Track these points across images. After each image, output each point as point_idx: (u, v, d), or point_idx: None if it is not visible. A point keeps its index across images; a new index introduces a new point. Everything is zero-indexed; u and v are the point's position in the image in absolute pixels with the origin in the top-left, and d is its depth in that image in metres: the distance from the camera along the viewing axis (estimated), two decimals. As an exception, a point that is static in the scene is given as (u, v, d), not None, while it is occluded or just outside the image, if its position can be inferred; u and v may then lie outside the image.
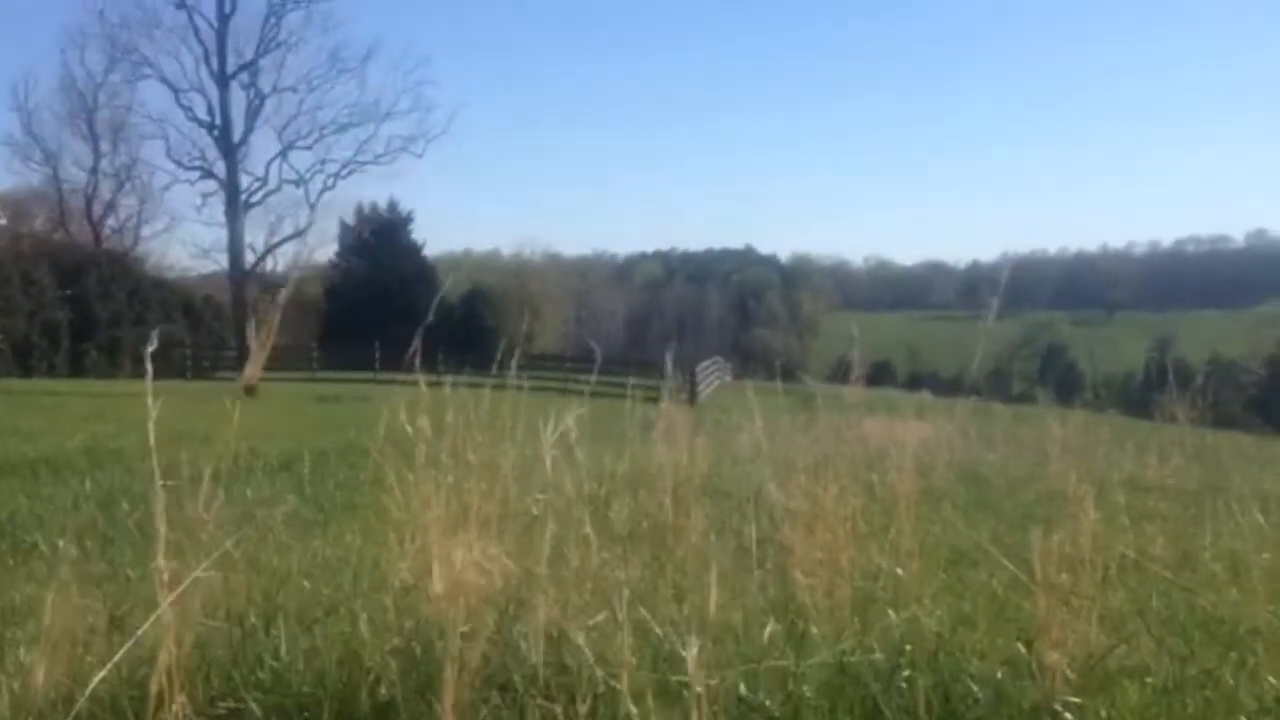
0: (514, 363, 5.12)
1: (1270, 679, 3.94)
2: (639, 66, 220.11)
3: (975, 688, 3.62)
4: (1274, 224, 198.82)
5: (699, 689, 2.99)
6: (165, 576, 3.28)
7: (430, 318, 4.45)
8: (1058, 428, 9.00)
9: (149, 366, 3.44)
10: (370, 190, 71.67)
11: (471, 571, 3.86)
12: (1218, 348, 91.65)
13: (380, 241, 63.24)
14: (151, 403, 3.39)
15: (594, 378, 5.78)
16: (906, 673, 3.68)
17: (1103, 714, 3.44)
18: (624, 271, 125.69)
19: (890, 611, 4.54)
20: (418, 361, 4.40)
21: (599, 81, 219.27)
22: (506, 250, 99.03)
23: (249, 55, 40.13)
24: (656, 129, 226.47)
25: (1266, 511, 7.03)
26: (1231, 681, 3.88)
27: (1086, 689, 3.58)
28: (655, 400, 6.65)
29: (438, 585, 3.56)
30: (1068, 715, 3.43)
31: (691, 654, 2.93)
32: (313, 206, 42.23)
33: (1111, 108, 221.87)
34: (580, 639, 3.58)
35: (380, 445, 4.39)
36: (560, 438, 4.77)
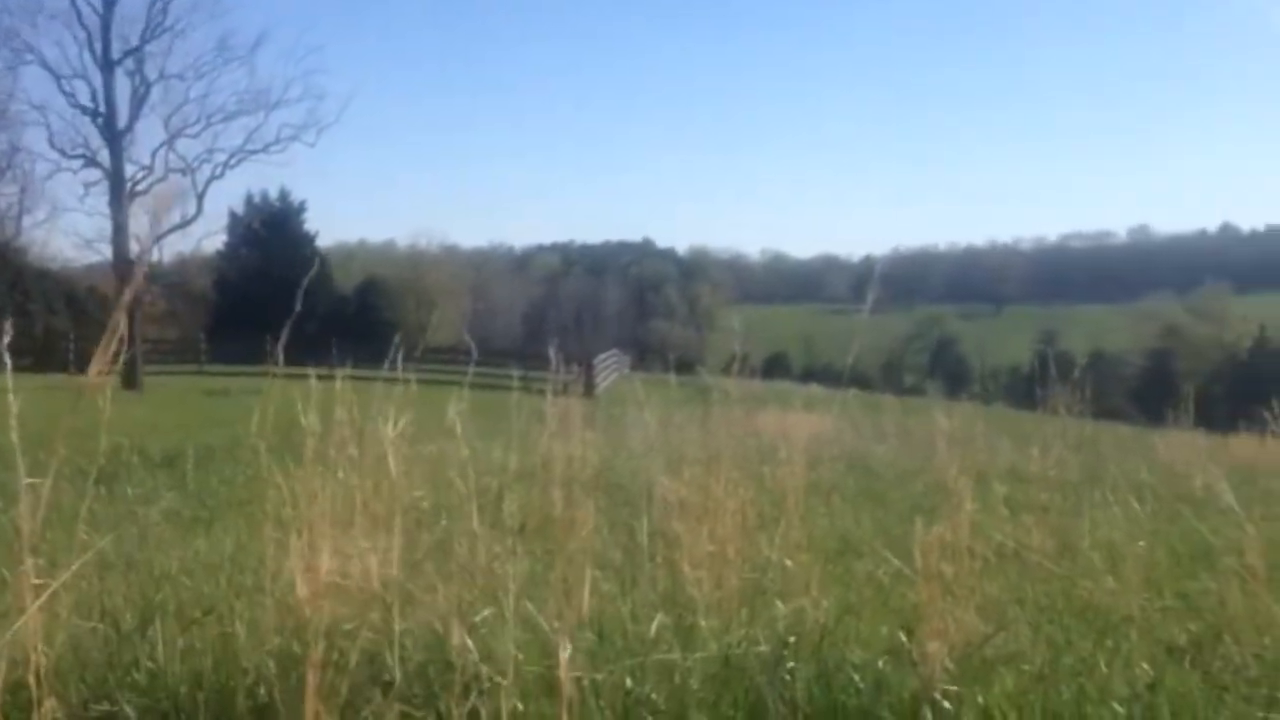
0: (399, 355, 5.06)
1: (1143, 665, 4.07)
2: (534, 58, 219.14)
3: (857, 677, 3.68)
4: (1156, 220, 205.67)
5: (569, 685, 2.99)
6: (32, 577, 3.19)
7: (298, 306, 4.37)
8: (944, 420, 9.18)
9: (6, 359, 3.34)
10: (261, 180, 70.23)
11: (356, 568, 3.82)
12: (1101, 341, 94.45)
13: (271, 232, 62.02)
14: (13, 398, 3.29)
15: (471, 370, 5.73)
16: (790, 664, 3.72)
17: (980, 701, 3.52)
18: (522, 263, 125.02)
19: (778, 603, 4.59)
20: (277, 354, 4.32)
21: (494, 72, 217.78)
22: (402, 241, 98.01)
23: (135, 41, 38.95)
24: (553, 120, 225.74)
25: (1142, 501, 7.25)
26: (1105, 668, 3.99)
27: (965, 677, 3.66)
28: (551, 393, 6.64)
29: (302, 587, 3.50)
30: (946, 703, 3.50)
31: (564, 653, 2.93)
32: (200, 196, 41.17)
33: (997, 106, 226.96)
34: (466, 635, 3.57)
35: (263, 440, 4.31)
36: (453, 432, 4.74)
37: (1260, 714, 3.55)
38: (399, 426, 4.16)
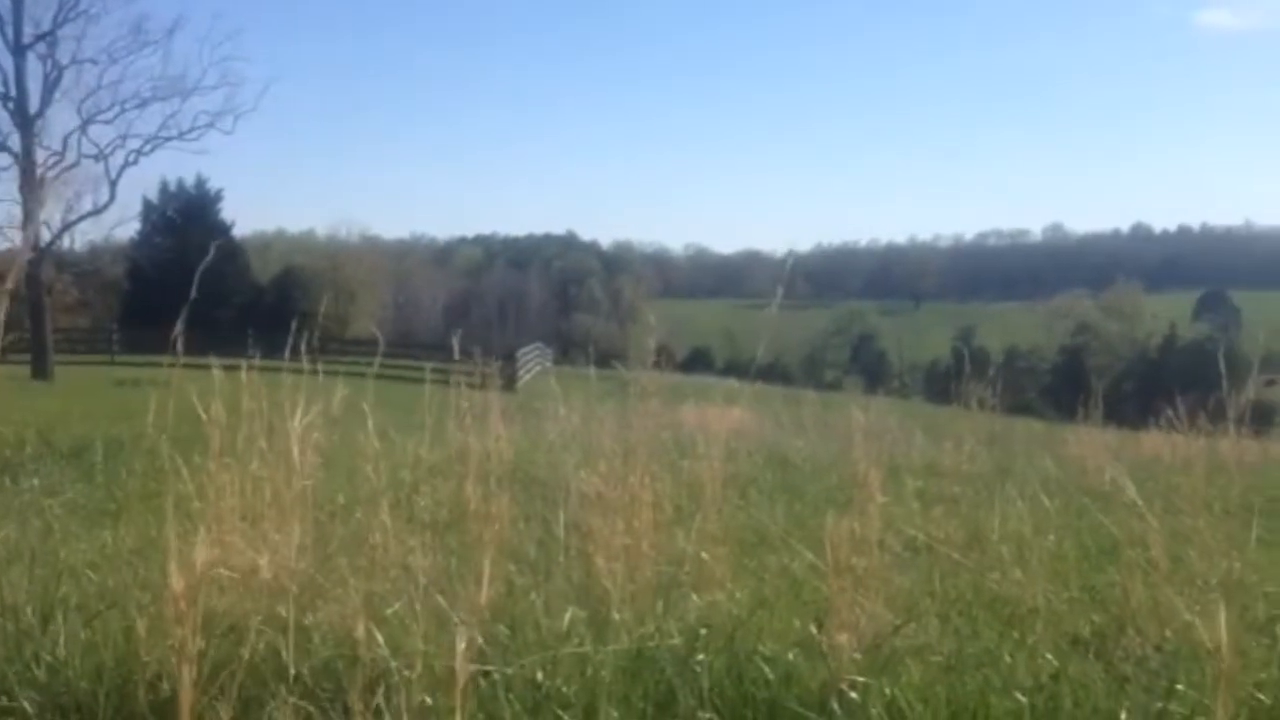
0: (307, 346, 4.99)
1: (1047, 656, 4.14)
2: (455, 49, 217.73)
3: (766, 669, 3.70)
4: (1071, 219, 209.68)
5: (463, 676, 2.97)
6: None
7: (194, 292, 4.30)
8: (860, 415, 9.26)
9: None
10: (177, 167, 68.87)
11: (262, 562, 3.76)
12: (1017, 337, 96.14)
13: (186, 220, 60.90)
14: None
15: (378, 362, 5.67)
16: (701, 656, 3.74)
17: (887, 692, 3.56)
18: (444, 256, 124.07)
19: (693, 595, 4.60)
20: (178, 345, 4.24)
21: (418, 63, 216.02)
22: (321, 231, 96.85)
23: (47, 25, 37.94)
24: (476, 112, 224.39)
25: (1051, 495, 7.37)
26: (1010, 659, 4.05)
27: (873, 668, 3.70)
28: (471, 386, 6.59)
29: (176, 579, 3.43)
30: (853, 695, 3.53)
31: (460, 644, 2.91)
32: (113, 183, 40.21)
33: (917, 107, 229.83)
34: (374, 629, 3.53)
35: (164, 433, 4.23)
36: (372, 425, 4.70)
37: (1160, 704, 3.63)
38: (306, 419, 4.09)
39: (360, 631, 3.53)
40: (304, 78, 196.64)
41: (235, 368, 4.94)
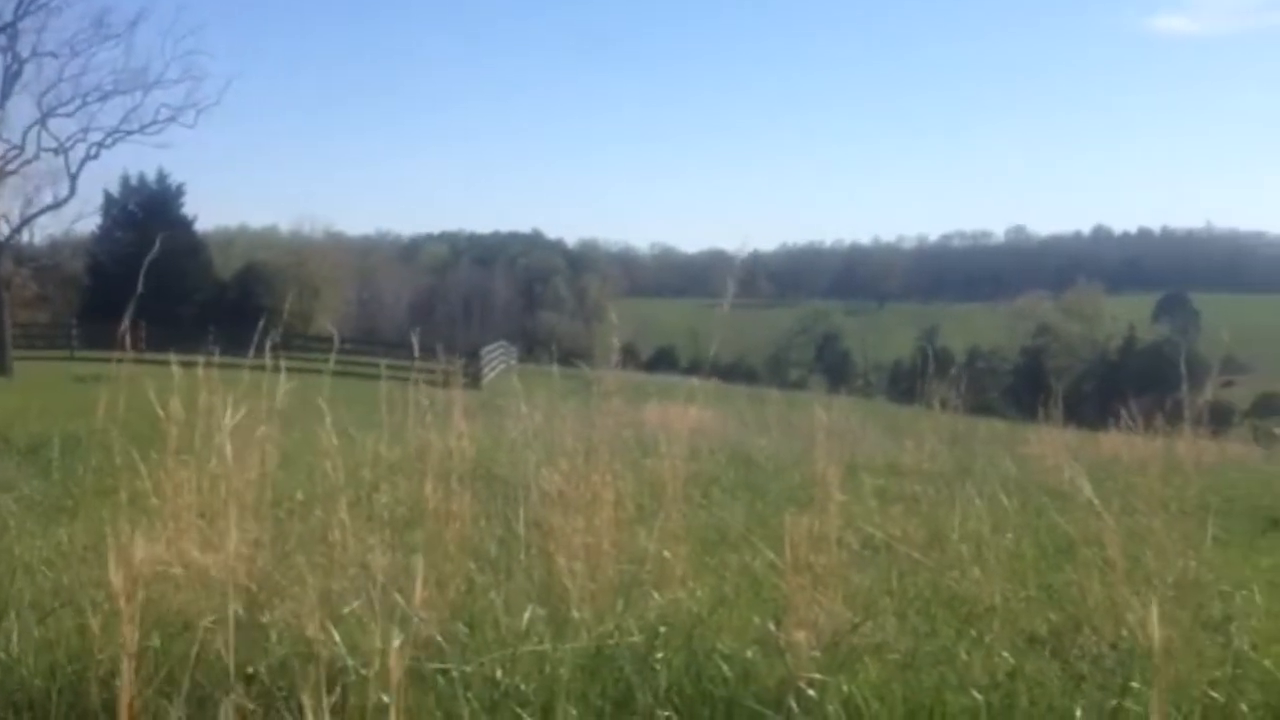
0: (269, 343, 4.95)
1: (1004, 654, 4.17)
2: (421, 45, 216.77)
3: (725, 667, 3.70)
4: (1032, 221, 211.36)
5: (396, 676, 2.95)
6: None
7: (140, 286, 4.27)
8: (823, 413, 9.29)
9: None
10: (139, 161, 68.18)
11: (219, 560, 3.73)
12: (979, 338, 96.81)
13: (148, 215, 60.27)
14: None
15: (333, 358, 5.63)
16: (660, 654, 3.74)
17: (844, 690, 3.57)
18: (409, 252, 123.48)
19: (655, 594, 4.60)
20: (137, 340, 4.21)
21: (383, 59, 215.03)
22: (285, 226, 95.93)
23: (8, 17, 37.47)
24: (441, 109, 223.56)
25: (1011, 494, 7.42)
26: (966, 657, 4.08)
27: (831, 666, 3.71)
28: (434, 384, 6.56)
29: (115, 575, 3.39)
30: (811, 692, 3.54)
31: (395, 642, 2.90)
32: (74, 176, 39.77)
33: (881, 106, 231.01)
34: (331, 627, 3.51)
35: (118, 429, 4.19)
36: (332, 422, 4.67)
37: (1114, 702, 3.66)
38: (238, 415, 4.06)
39: (317, 629, 3.51)
40: (268, 73, 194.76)
41: (195, 364, 4.90)
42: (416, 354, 6.22)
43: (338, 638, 3.45)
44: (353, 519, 4.47)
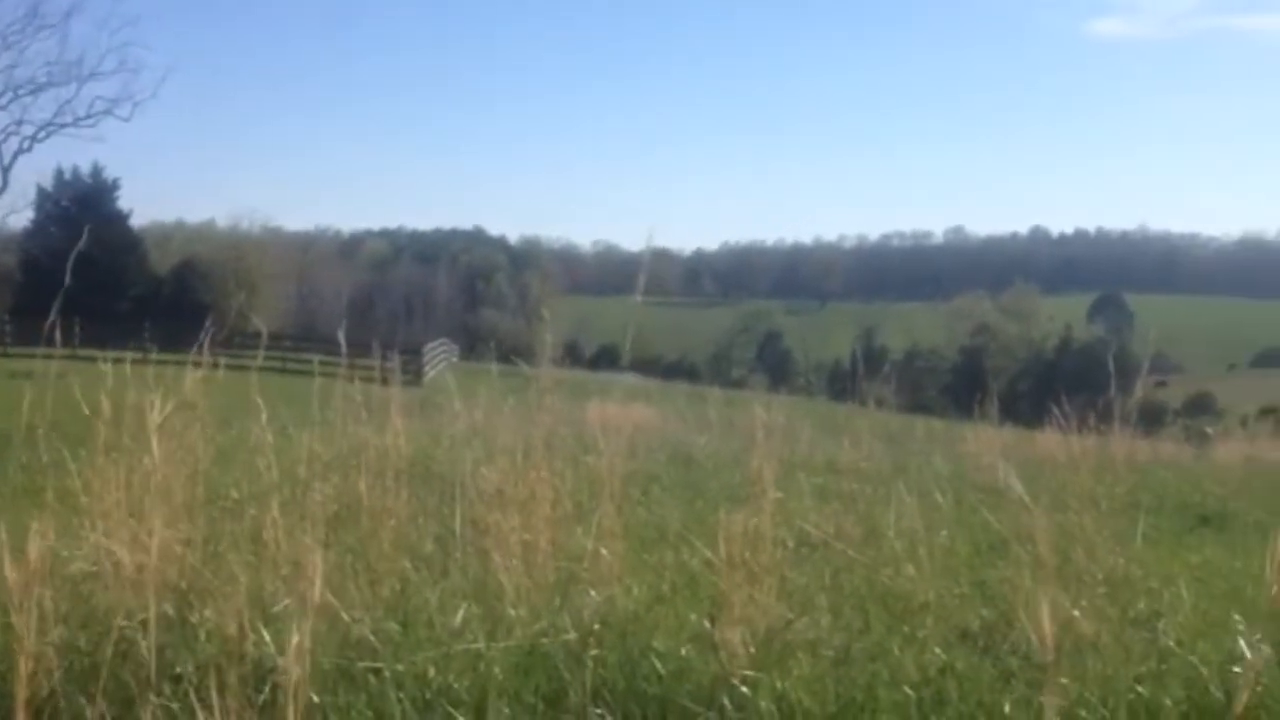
0: (206, 340, 4.89)
1: (936, 650, 4.21)
2: (361, 40, 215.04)
3: (659, 664, 3.71)
4: (971, 222, 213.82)
5: (294, 676, 2.93)
6: None
7: (68, 280, 4.20)
8: (763, 412, 9.32)
9: None
10: (73, 155, 67.03)
11: (147, 559, 3.68)
12: (918, 337, 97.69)
13: (82, 209, 59.18)
14: None
15: (261, 355, 5.58)
16: (595, 652, 3.73)
17: (777, 686, 3.59)
18: (349, 248, 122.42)
19: (591, 592, 4.59)
20: (51, 335, 4.14)
21: (319, 52, 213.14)
22: (222, 221, 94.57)
23: (-62, 9, 36.72)
24: (382, 104, 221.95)
25: (946, 492, 7.49)
26: (899, 653, 4.11)
27: (764, 662, 3.72)
28: (368, 380, 6.51)
29: (11, 572, 3.33)
30: (744, 689, 3.55)
31: (294, 639, 2.86)
32: (6, 170, 39.01)
33: (823, 107, 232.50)
34: (262, 626, 3.47)
35: (43, 426, 4.12)
36: (269, 419, 4.62)
37: (1041, 697, 3.70)
38: (166, 412, 4.01)
39: (246, 628, 3.47)
40: (206, 66, 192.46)
41: (135, 361, 4.83)
42: (344, 351, 6.16)
43: (267, 637, 3.41)
44: (286, 517, 4.42)
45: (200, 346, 4.89)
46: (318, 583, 3.40)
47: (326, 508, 5.23)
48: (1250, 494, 12.71)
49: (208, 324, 5.24)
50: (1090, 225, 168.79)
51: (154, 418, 3.98)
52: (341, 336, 6.13)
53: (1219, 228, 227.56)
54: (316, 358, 5.97)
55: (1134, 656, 4.27)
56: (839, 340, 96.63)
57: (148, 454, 4.41)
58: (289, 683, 3.24)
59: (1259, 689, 3.80)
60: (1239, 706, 2.98)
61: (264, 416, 4.48)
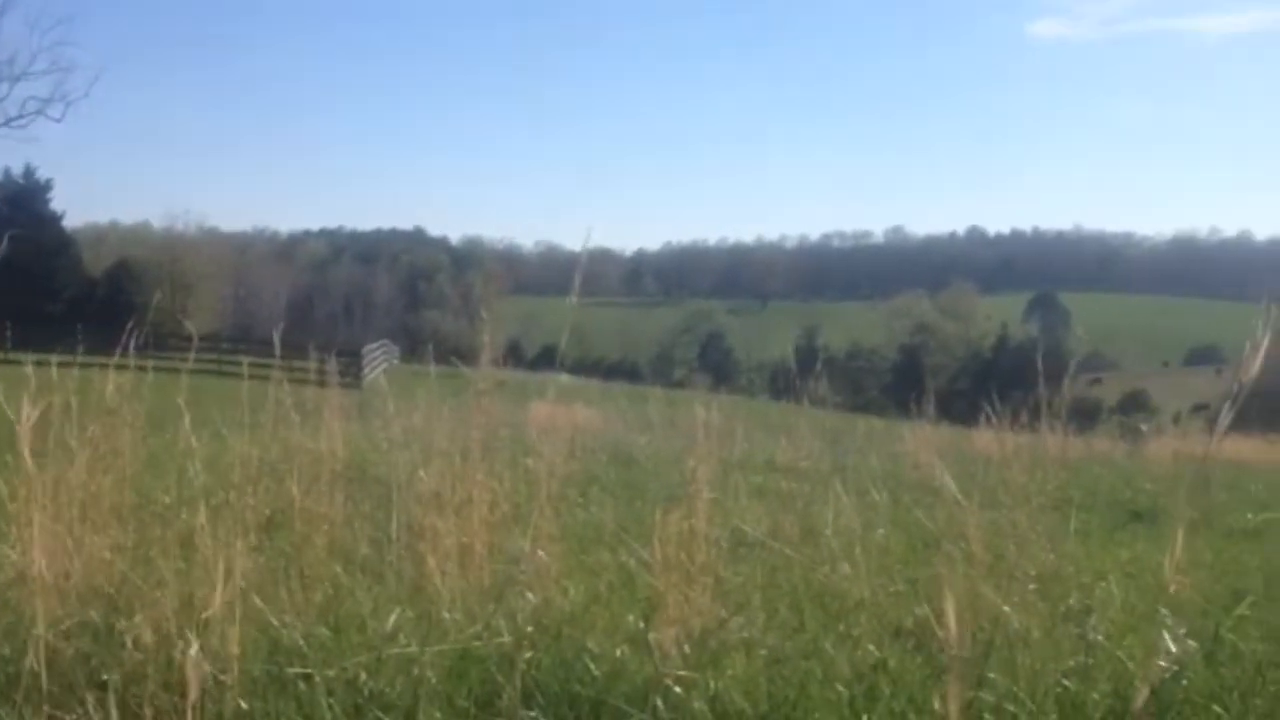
0: (132, 342, 4.82)
1: (870, 647, 4.24)
2: (301, 39, 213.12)
3: (593, 666, 3.70)
4: (910, 222, 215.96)
5: (194, 686, 2.90)
6: None
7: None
8: (703, 411, 9.35)
9: None
10: (5, 156, 65.81)
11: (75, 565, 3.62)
12: (859, 336, 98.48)
13: (13, 210, 58.17)
14: None
15: (192, 356, 5.49)
16: (529, 654, 3.72)
17: (710, 686, 3.60)
18: (287, 249, 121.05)
19: (529, 594, 4.58)
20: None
21: (255, 51, 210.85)
22: (157, 222, 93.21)
23: None
24: (321, 103, 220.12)
25: (885, 490, 7.56)
26: (832, 650, 4.14)
27: (699, 662, 3.73)
28: (302, 382, 6.45)
29: None
30: (677, 689, 3.56)
31: (191, 650, 2.83)
32: (-64, 170, 38.24)
33: (764, 107, 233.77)
34: (191, 633, 3.42)
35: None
36: (203, 423, 4.57)
37: (971, 692, 3.74)
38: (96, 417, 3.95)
39: (175, 635, 3.42)
40: (140, 65, 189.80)
41: (61, 364, 4.75)
42: (278, 353, 6.10)
43: (196, 644, 3.36)
44: (218, 522, 4.37)
45: (123, 348, 4.82)
46: (239, 587, 3.35)
47: (260, 513, 5.17)
48: (1178, 489, 12.94)
49: (129, 325, 5.16)
50: (1027, 225, 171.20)
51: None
52: (274, 337, 6.07)
53: (1152, 228, 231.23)
54: (249, 360, 5.88)
55: (1063, 651, 4.33)
56: (781, 339, 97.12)
57: (75, 460, 4.35)
58: (218, 690, 3.21)
59: (1184, 682, 3.87)
60: (1139, 701, 3.04)
61: (188, 420, 4.41)
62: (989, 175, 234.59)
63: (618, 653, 3.85)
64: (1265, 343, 2.69)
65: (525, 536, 5.23)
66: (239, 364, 5.86)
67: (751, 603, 4.86)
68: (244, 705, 3.10)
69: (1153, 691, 3.75)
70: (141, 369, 4.89)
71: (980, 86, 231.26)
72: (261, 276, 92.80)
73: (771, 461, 11.23)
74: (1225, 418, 2.82)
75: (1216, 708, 3.73)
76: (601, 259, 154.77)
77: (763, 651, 4.05)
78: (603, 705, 3.52)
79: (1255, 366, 2.72)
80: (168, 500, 5.91)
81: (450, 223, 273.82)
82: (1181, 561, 3.27)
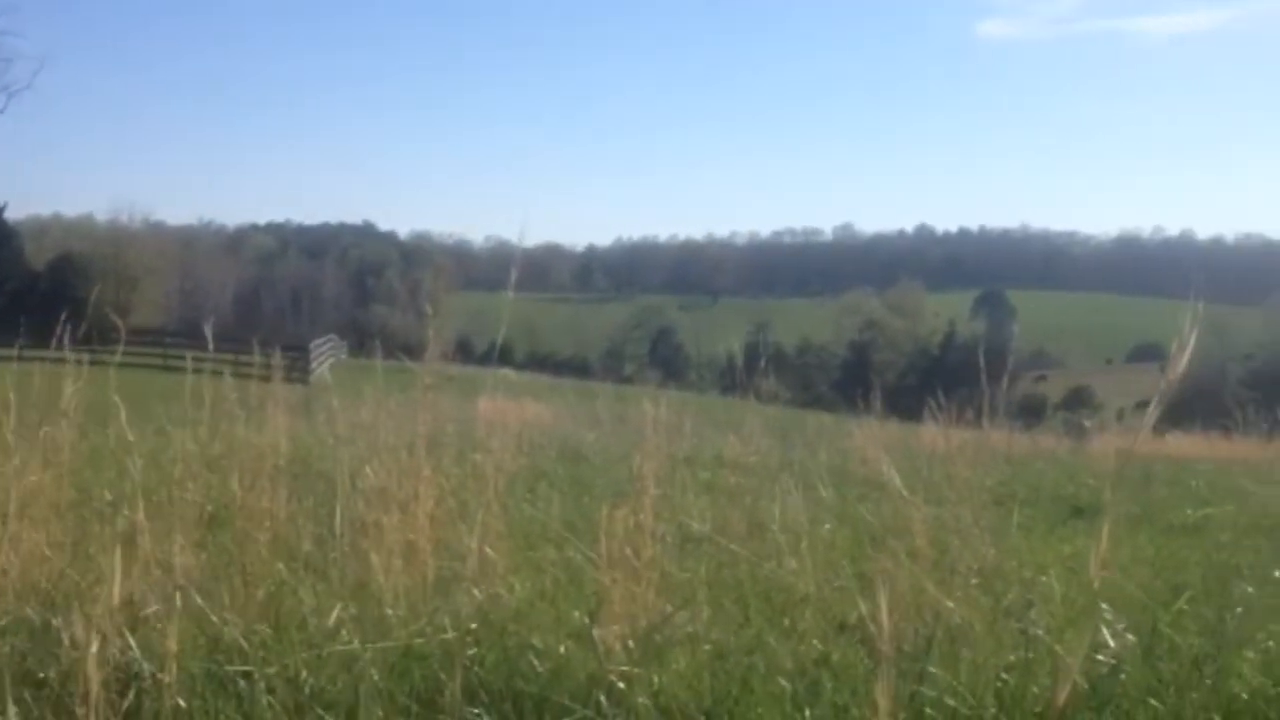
0: (80, 336, 4.76)
1: (814, 641, 4.26)
2: (246, 32, 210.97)
3: (537, 663, 3.70)
4: (860, 219, 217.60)
5: (95, 686, 2.86)
6: None
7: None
8: (651, 407, 9.35)
9: None
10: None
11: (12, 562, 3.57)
12: (809, 333, 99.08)
13: (-47, 203, 57.30)
14: None
15: (120, 350, 5.43)
16: (473, 650, 3.71)
17: (654, 681, 3.60)
18: (234, 243, 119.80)
19: (475, 591, 4.56)
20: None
21: (200, 42, 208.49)
22: (101, 215, 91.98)
23: None
24: (267, 96, 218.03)
25: (832, 485, 7.60)
26: (776, 645, 4.15)
27: (643, 658, 3.74)
28: (244, 377, 6.39)
29: None
30: (621, 685, 3.56)
31: (91, 649, 2.78)
32: None
33: (711, 105, 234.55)
34: (128, 630, 3.39)
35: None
36: (147, 418, 4.52)
37: (913, 687, 3.78)
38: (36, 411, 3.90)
39: (113, 633, 3.38)
40: (86, 56, 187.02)
41: (3, 358, 4.68)
42: (212, 347, 6.02)
43: (133, 642, 3.33)
44: (160, 519, 4.32)
45: (60, 341, 4.75)
46: (179, 584, 3.32)
47: (201, 509, 5.12)
48: (1120, 485, 13.12)
49: (65, 319, 5.09)
50: (974, 224, 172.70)
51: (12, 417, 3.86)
52: (208, 330, 6.00)
53: (1097, 226, 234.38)
54: (191, 354, 5.80)
55: (1004, 646, 4.37)
56: (731, 335, 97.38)
57: (13, 455, 4.29)
58: (156, 689, 3.18)
59: (1122, 677, 3.93)
60: (1060, 697, 3.08)
61: (123, 415, 4.36)
62: (937, 174, 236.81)
63: (562, 649, 3.85)
64: (1193, 341, 2.74)
65: (472, 533, 5.22)
66: (184, 358, 5.79)
67: (697, 598, 4.86)
68: (182, 704, 3.06)
69: (1091, 685, 3.81)
70: (80, 363, 4.82)
71: (929, 85, 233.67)
72: (207, 270, 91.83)
73: (720, 457, 11.25)
74: (1153, 414, 2.86)
75: (1153, 701, 3.78)
76: (552, 255, 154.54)
77: (707, 646, 4.06)
78: (546, 701, 3.51)
79: (1182, 364, 2.77)
80: (109, 496, 5.84)
81: (399, 218, 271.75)
82: (1109, 556, 3.32)
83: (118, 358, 5.07)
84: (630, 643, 3.81)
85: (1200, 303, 2.80)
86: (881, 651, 2.80)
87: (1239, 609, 5.31)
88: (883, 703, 2.58)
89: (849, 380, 67.93)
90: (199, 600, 3.56)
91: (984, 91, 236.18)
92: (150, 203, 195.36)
